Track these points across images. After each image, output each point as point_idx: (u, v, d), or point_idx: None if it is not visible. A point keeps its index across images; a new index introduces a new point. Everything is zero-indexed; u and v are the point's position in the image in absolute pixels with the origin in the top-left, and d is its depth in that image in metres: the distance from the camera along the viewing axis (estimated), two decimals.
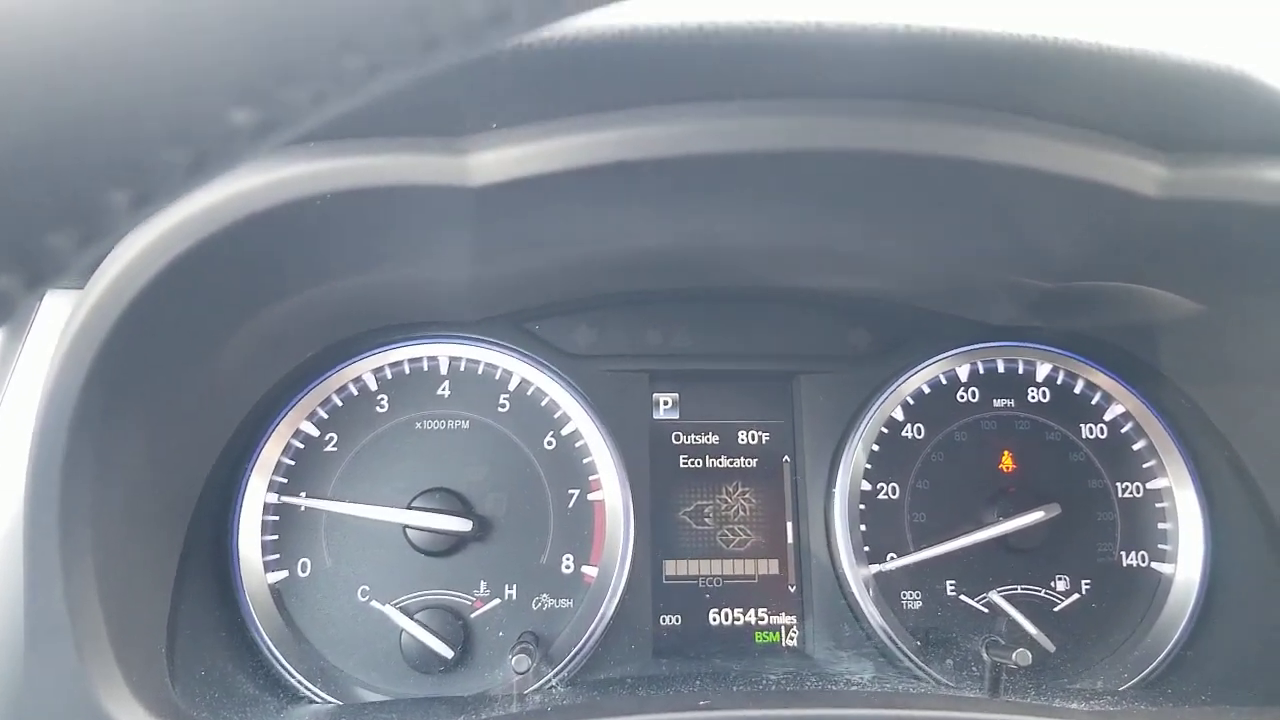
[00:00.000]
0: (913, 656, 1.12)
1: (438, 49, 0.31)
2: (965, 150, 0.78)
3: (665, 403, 1.25)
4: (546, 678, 1.08)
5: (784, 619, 1.19)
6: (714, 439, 1.24)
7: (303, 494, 1.13)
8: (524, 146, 0.75)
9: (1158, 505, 1.21)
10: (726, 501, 1.23)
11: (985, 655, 1.00)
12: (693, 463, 1.23)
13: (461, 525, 1.11)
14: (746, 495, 1.23)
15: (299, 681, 1.06)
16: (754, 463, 1.24)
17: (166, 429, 0.94)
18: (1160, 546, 1.19)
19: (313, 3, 0.28)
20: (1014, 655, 0.97)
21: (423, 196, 0.76)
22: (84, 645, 0.81)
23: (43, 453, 0.79)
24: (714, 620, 1.18)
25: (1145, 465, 1.21)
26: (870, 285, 1.18)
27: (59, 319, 0.84)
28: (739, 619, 1.19)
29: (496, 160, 0.75)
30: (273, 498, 1.13)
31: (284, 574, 1.12)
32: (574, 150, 0.75)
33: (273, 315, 0.99)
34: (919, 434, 1.21)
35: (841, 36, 0.71)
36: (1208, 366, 1.13)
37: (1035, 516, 1.15)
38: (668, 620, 1.18)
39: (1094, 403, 1.23)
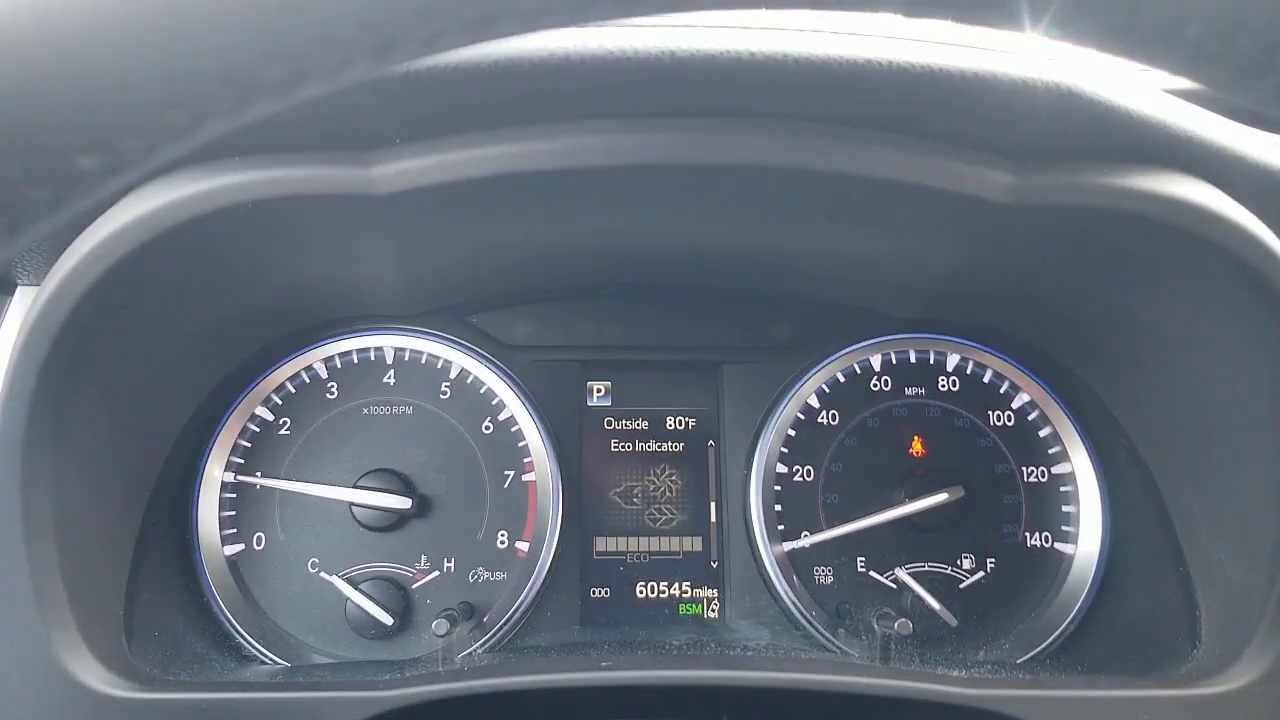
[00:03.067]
0: (821, 628, 1.20)
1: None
2: (837, 164, 0.86)
3: (598, 390, 1.33)
4: (478, 644, 1.18)
5: (706, 592, 1.27)
6: (644, 424, 1.33)
7: (258, 473, 1.23)
8: (423, 159, 0.83)
9: (1061, 489, 1.28)
10: (654, 482, 1.31)
11: (876, 626, 1.08)
12: (623, 446, 1.32)
13: (402, 503, 1.20)
14: (673, 477, 1.31)
15: (250, 644, 1.16)
16: (681, 446, 1.32)
17: (122, 413, 1.04)
18: (1063, 528, 1.27)
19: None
20: (895, 625, 1.05)
21: (333, 205, 0.85)
22: (45, 606, 0.91)
23: (4, 432, 0.88)
24: (641, 593, 1.27)
25: (1050, 451, 1.29)
26: (787, 282, 1.26)
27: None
28: (664, 592, 1.27)
29: (398, 171, 0.83)
30: (230, 477, 1.23)
31: (240, 547, 1.22)
32: (467, 162, 0.84)
33: (219, 310, 1.08)
34: (833, 420, 1.29)
35: (710, 61, 0.79)
36: (1100, 357, 1.20)
37: (940, 498, 1.23)
38: (597, 593, 1.27)
39: (1002, 391, 1.30)
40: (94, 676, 0.90)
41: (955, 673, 1.01)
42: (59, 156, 0.40)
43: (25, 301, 1.14)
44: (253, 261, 0.99)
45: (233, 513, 1.22)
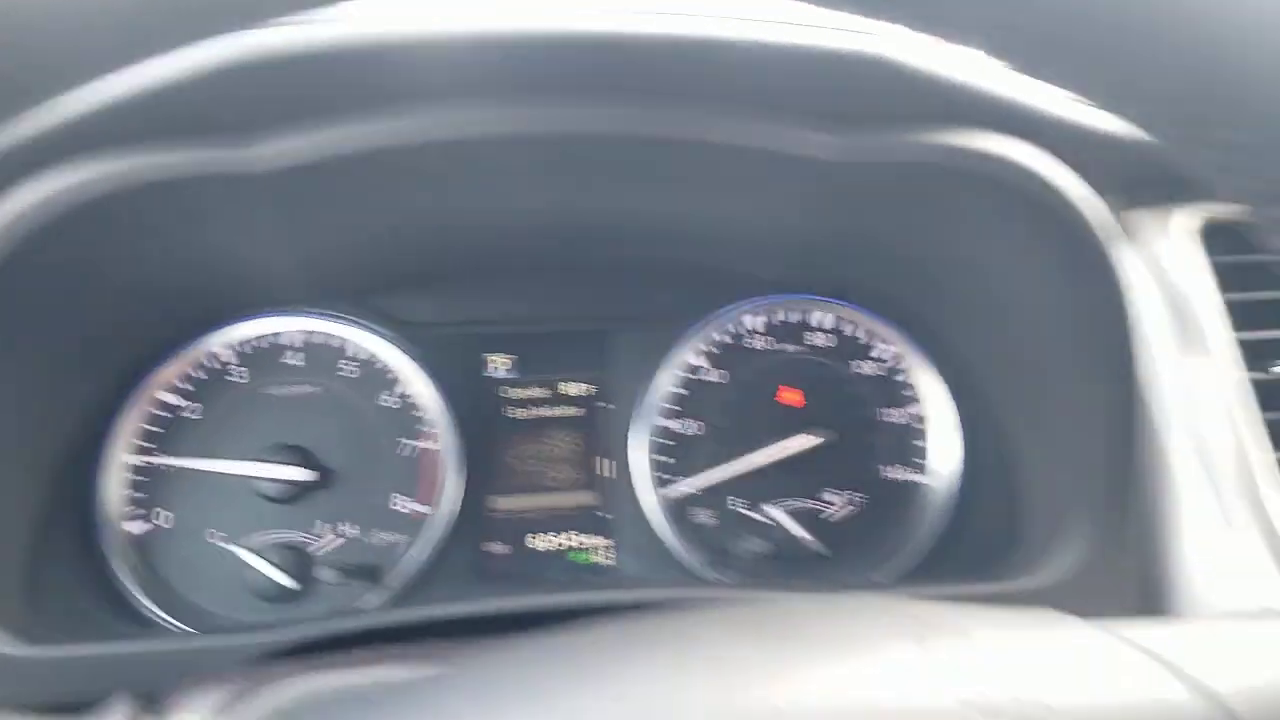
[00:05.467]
0: (701, 565, 1.30)
1: None
2: (681, 131, 0.96)
3: (497, 363, 1.41)
4: (379, 601, 1.24)
5: (598, 540, 1.36)
6: (540, 392, 1.41)
7: (165, 454, 1.28)
8: (298, 139, 0.91)
9: (920, 428, 1.40)
10: (551, 444, 1.39)
11: (739, 551, 1.18)
12: (521, 413, 1.40)
13: (303, 475, 1.26)
14: (568, 438, 1.40)
15: (157, 615, 1.21)
16: (574, 410, 1.41)
17: (21, 396, 1.08)
18: (922, 462, 1.38)
19: None
20: (754, 545, 1.15)
21: (216, 186, 0.93)
22: None
23: None
24: (535, 545, 1.35)
25: (910, 395, 1.40)
26: (666, 251, 1.36)
27: None
28: (558, 544, 1.35)
29: (276, 151, 0.91)
30: (137, 459, 1.27)
31: (146, 524, 1.26)
32: (339, 140, 0.92)
33: (117, 298, 1.14)
34: (715, 377, 1.39)
35: (573, 40, 0.89)
36: (946, 306, 1.32)
37: (809, 440, 1.33)
38: (493, 548, 1.34)
39: (867, 344, 1.42)
40: None
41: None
42: None
43: None
44: (145, 249, 1.06)
45: (140, 493, 1.27)
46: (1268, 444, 1.06)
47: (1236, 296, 1.11)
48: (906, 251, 1.25)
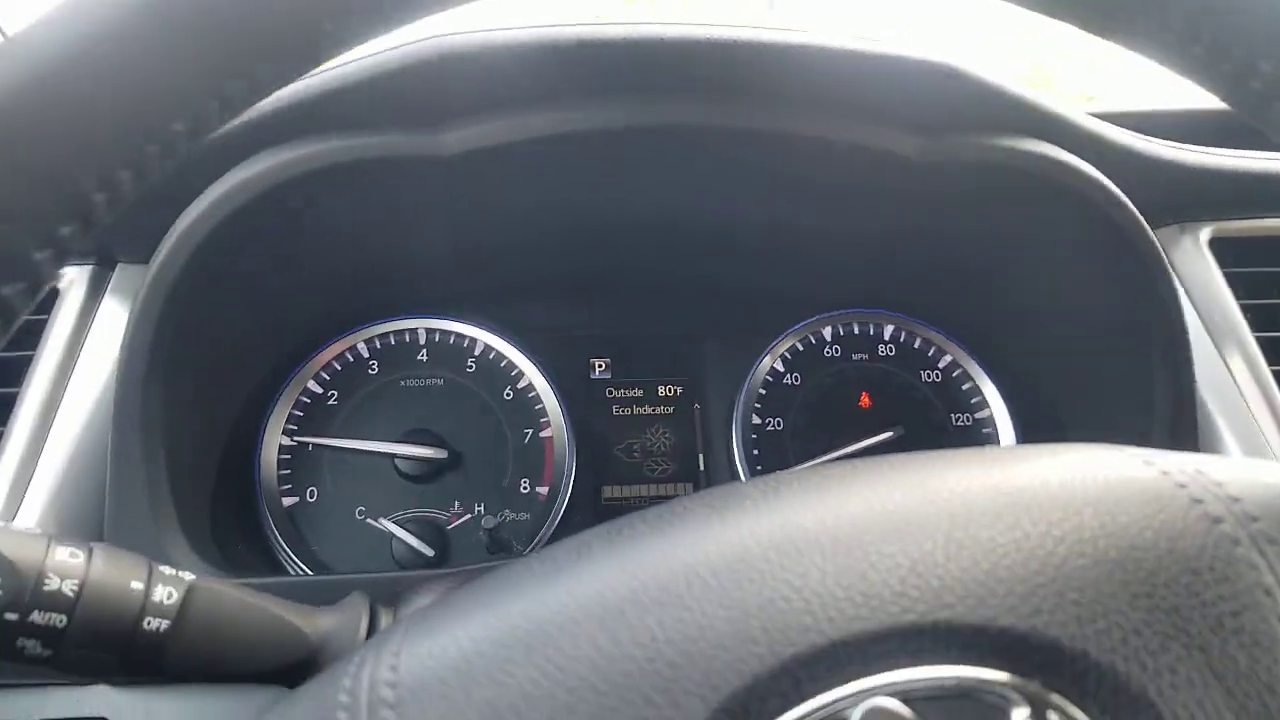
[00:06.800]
0: None
1: None
2: (784, 126, 1.14)
3: (600, 365, 1.58)
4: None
5: None
6: (639, 392, 1.57)
7: (311, 436, 1.43)
8: (487, 125, 1.09)
9: (984, 430, 1.55)
10: (651, 440, 1.55)
11: None
12: (623, 411, 1.56)
13: (438, 454, 1.41)
14: (666, 434, 1.55)
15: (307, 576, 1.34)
16: (672, 409, 1.57)
17: (205, 378, 1.23)
18: None
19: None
20: None
21: (406, 169, 1.09)
22: (159, 519, 1.09)
23: (126, 390, 1.06)
24: None
25: (973, 400, 1.57)
26: (749, 271, 1.55)
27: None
28: None
29: (463, 136, 1.09)
30: (287, 440, 1.42)
31: (296, 499, 1.40)
32: (526, 125, 1.09)
33: (282, 295, 1.31)
34: (796, 381, 1.56)
35: (726, 47, 1.08)
36: (1007, 317, 1.50)
37: (884, 436, 1.49)
38: None
39: (930, 354, 1.59)
40: (192, 566, 1.08)
41: None
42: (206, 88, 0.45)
43: (126, 277, 1.32)
44: (321, 239, 1.23)
45: (289, 471, 1.41)
46: None
47: (1250, 302, 1.30)
48: (972, 262, 1.43)
